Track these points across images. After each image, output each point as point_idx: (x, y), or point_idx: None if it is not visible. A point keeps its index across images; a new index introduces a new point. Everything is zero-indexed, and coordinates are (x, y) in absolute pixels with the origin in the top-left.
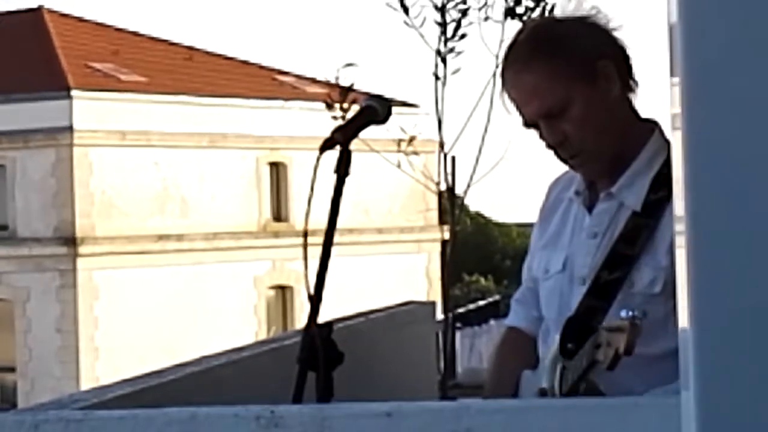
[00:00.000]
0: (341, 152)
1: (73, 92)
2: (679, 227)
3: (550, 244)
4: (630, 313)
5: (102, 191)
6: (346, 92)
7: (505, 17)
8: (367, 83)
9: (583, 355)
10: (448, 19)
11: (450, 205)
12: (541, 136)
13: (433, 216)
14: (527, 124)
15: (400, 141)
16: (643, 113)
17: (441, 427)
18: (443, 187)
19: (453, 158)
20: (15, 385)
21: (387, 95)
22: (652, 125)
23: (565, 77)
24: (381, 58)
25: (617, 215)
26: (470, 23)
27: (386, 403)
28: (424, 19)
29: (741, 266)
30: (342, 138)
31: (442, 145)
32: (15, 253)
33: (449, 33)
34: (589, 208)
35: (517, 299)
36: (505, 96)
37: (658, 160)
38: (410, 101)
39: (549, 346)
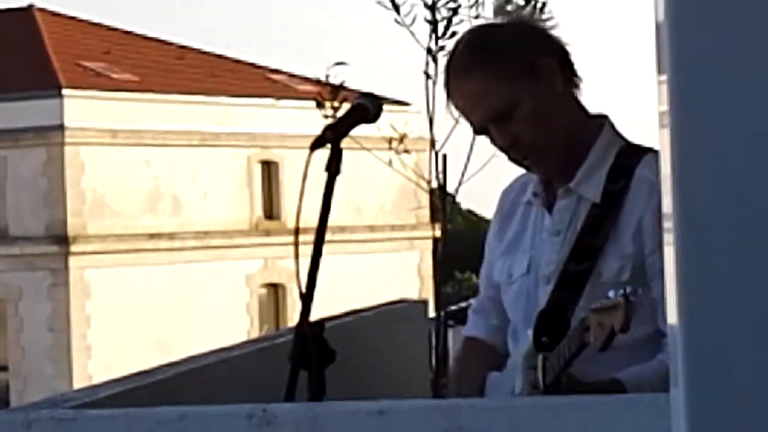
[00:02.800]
0: (332, 150)
1: (65, 91)
2: (667, 224)
3: (510, 249)
4: (621, 291)
5: (93, 190)
6: (336, 91)
7: (496, 15)
8: (357, 81)
9: (567, 343)
10: (438, 17)
11: (441, 202)
12: (493, 141)
13: (425, 214)
14: (477, 130)
15: (391, 139)
16: (633, 111)
17: (433, 425)
18: (435, 184)
19: (444, 156)
20: (7, 383)
21: (378, 93)
22: (602, 120)
23: (509, 78)
24: (372, 56)
25: (578, 209)
26: (461, 21)
27: (378, 402)
28: (415, 17)
29: (729, 262)
30: (333, 136)
31: (433, 143)
32: (6, 252)
33: (440, 31)
34: (549, 208)
35: (474, 309)
36: (452, 106)
37: (612, 153)
38: (401, 99)
39: (519, 345)
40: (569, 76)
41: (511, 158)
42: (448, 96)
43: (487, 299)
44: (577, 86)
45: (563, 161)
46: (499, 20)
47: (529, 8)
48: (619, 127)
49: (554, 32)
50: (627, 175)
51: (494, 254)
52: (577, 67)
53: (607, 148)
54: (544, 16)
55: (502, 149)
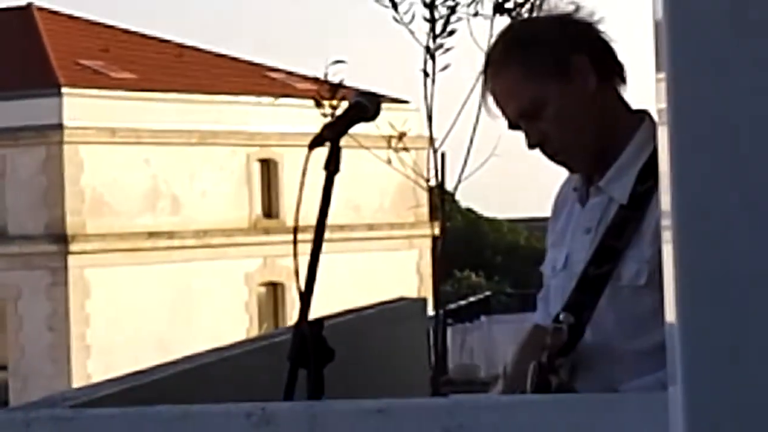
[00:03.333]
0: (331, 149)
1: (63, 89)
2: (665, 222)
3: (557, 242)
4: (561, 317)
5: (92, 189)
6: (335, 89)
7: (494, 13)
8: (356, 80)
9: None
10: (436, 15)
11: (440, 201)
12: (526, 136)
13: (424, 212)
14: (511, 125)
15: (390, 137)
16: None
17: (433, 423)
18: (433, 183)
19: (443, 154)
20: (6, 383)
21: (376, 92)
22: (642, 115)
23: (538, 76)
24: (370, 54)
25: (608, 209)
26: (459, 19)
27: (378, 400)
28: (413, 15)
29: (727, 260)
30: (331, 135)
31: (432, 141)
32: (5, 251)
33: (438, 29)
34: (584, 204)
35: (540, 297)
36: (490, 99)
37: (646, 151)
38: (400, 97)
39: None
40: (607, 72)
41: (545, 154)
42: (486, 89)
43: (546, 288)
44: (618, 81)
45: (594, 159)
46: (538, 14)
47: (527, 5)
48: None
49: (597, 26)
50: (656, 175)
51: (549, 245)
52: (621, 60)
53: (643, 145)
54: (586, 10)
55: (533, 146)
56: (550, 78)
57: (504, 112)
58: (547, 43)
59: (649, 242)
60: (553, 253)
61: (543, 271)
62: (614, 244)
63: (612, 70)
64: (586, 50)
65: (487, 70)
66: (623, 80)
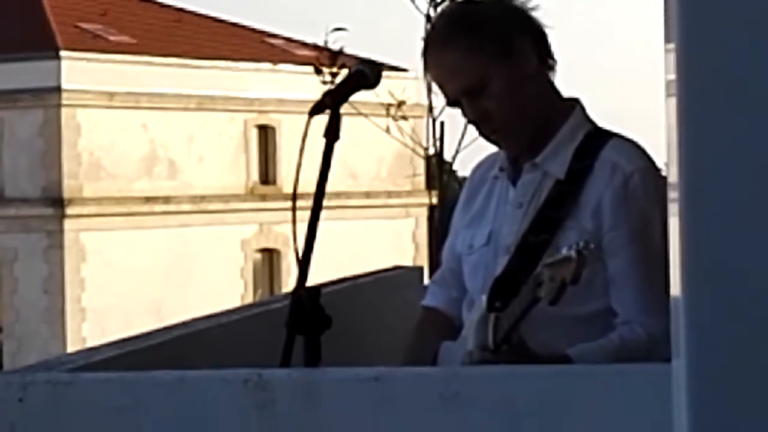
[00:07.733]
0: (331, 116)
1: (62, 53)
2: (672, 195)
3: (474, 221)
4: (574, 246)
5: (90, 152)
6: (335, 56)
7: None
8: (355, 47)
9: (519, 300)
10: None
11: (438, 170)
12: (464, 114)
13: (421, 181)
14: (450, 102)
15: (389, 105)
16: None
17: (428, 391)
18: (431, 151)
19: (442, 123)
20: (1, 345)
21: (376, 59)
22: (573, 103)
23: (483, 54)
24: (370, 22)
25: (542, 184)
26: None
27: (374, 368)
28: None
29: (733, 234)
30: (332, 102)
31: (431, 110)
32: (2, 214)
33: None
34: (514, 182)
35: (435, 281)
36: (429, 77)
37: (580, 134)
38: (399, 65)
39: (474, 310)
40: (544, 57)
41: (480, 132)
42: (425, 67)
43: (449, 271)
44: (551, 68)
45: (531, 139)
46: None
47: None
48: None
49: (533, 13)
50: (592, 156)
51: (458, 227)
52: (553, 49)
53: (576, 128)
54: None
55: (472, 122)
56: (495, 56)
57: (444, 89)
58: (492, 23)
59: (589, 215)
60: (470, 232)
61: (447, 254)
62: (552, 215)
63: (548, 56)
64: (528, 33)
65: (428, 48)
66: (554, 68)
